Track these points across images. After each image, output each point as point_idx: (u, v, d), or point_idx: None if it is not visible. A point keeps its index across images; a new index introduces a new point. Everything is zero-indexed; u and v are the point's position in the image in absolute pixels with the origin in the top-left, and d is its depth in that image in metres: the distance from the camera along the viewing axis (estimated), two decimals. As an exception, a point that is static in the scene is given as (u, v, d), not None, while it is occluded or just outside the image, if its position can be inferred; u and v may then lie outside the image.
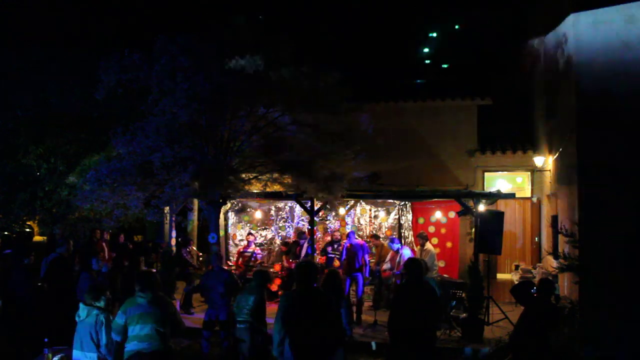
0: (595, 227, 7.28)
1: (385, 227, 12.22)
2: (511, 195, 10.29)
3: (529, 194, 12.27)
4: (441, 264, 11.32)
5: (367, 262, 9.52)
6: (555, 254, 9.80)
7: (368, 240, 10.79)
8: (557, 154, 9.80)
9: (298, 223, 12.70)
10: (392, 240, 9.71)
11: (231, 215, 12.95)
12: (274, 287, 10.70)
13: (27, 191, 10.36)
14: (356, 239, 9.73)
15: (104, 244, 10.76)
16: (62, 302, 7.38)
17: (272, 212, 12.89)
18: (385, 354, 7.40)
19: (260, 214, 12.84)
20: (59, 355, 5.28)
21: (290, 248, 11.32)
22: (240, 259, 11.15)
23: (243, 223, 12.94)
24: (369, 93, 12.50)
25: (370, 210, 12.38)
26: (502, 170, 12.37)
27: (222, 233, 11.74)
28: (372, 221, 12.40)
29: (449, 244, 11.94)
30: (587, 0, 8.31)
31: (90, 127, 10.63)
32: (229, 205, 12.38)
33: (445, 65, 17.51)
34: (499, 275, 12.92)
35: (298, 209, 12.39)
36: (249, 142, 8.98)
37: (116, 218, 9.11)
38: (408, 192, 10.27)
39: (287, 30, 9.10)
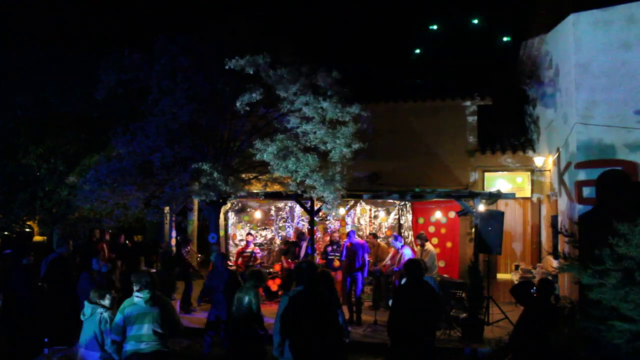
0: (595, 226, 7.28)
1: (385, 227, 12.23)
2: (511, 195, 10.29)
3: (529, 194, 12.26)
4: (441, 264, 11.32)
5: (367, 261, 9.52)
6: (555, 254, 9.80)
7: (368, 240, 10.79)
8: (557, 154, 9.80)
9: (298, 223, 12.71)
10: (395, 238, 9.69)
11: (231, 215, 12.96)
12: (274, 287, 10.71)
13: (27, 191, 10.36)
14: (356, 238, 9.73)
15: (103, 244, 10.76)
16: (62, 302, 7.38)
17: (272, 212, 12.90)
18: (385, 354, 7.41)
19: (260, 214, 12.85)
20: (59, 355, 5.29)
21: (289, 248, 11.32)
22: (240, 259, 11.15)
23: (243, 223, 12.94)
24: (369, 93, 12.49)
25: (370, 210, 12.38)
26: (502, 170, 12.36)
27: (222, 233, 11.75)
28: (372, 221, 12.40)
29: (449, 244, 11.94)
30: (587, 0, 8.31)
31: (90, 127, 10.63)
32: (229, 205, 12.39)
33: (445, 65, 17.52)
34: (499, 275, 12.92)
35: (298, 209, 12.39)
36: (249, 142, 8.98)
37: (116, 218, 9.12)
38: (408, 192, 10.26)
39: (287, 30, 9.11)
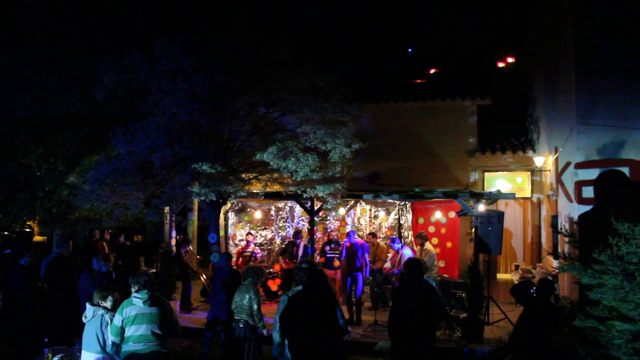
0: (595, 226, 7.27)
1: (385, 227, 12.23)
2: (511, 195, 10.29)
3: (529, 194, 12.26)
4: (441, 264, 11.32)
5: (367, 261, 9.53)
6: (555, 254, 9.80)
7: (367, 240, 10.79)
8: (557, 154, 9.80)
9: (298, 223, 12.71)
10: (393, 241, 9.71)
11: (231, 215, 12.96)
12: (274, 287, 10.71)
13: (27, 191, 10.35)
14: (356, 238, 9.73)
15: (103, 244, 10.77)
16: (62, 302, 7.39)
17: (272, 212, 12.90)
18: (386, 354, 7.41)
19: (260, 214, 12.85)
20: (59, 355, 5.29)
21: (286, 248, 11.33)
22: (240, 259, 11.16)
23: (243, 223, 12.95)
24: (369, 93, 12.50)
25: (370, 210, 12.38)
26: (502, 170, 12.36)
27: (222, 233, 11.75)
28: (372, 221, 12.40)
29: (449, 244, 11.94)
30: (587, 0, 8.31)
31: (90, 127, 10.63)
32: (229, 205, 12.39)
33: (444, 66, 17.50)
34: (499, 275, 12.92)
35: (298, 209, 12.39)
36: (249, 142, 8.97)
37: (116, 218, 9.11)
38: (408, 192, 10.27)
39: (287, 30, 9.11)
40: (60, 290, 7.54)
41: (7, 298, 7.42)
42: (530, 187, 12.20)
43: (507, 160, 12.24)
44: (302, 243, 10.97)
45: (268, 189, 9.25)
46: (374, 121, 10.08)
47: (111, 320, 4.84)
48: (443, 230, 11.98)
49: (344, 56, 15.14)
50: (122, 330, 4.68)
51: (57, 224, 11.02)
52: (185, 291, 10.29)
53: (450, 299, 9.02)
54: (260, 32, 8.70)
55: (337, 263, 9.89)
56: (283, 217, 12.86)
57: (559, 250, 8.67)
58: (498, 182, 12.27)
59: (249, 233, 12.03)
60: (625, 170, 7.71)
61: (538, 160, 11.35)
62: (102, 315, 4.91)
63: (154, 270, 11.00)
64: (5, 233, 13.18)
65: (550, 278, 7.45)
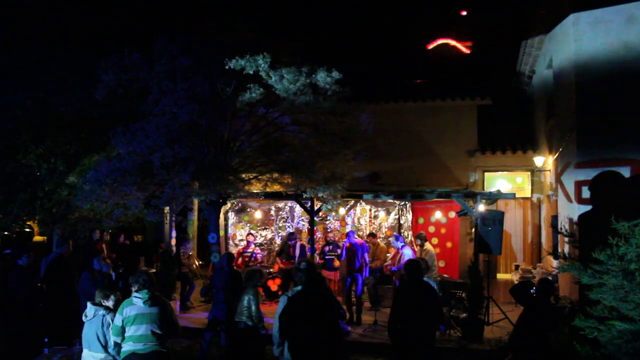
0: (595, 226, 7.28)
1: (385, 227, 12.23)
2: (511, 195, 10.29)
3: (529, 194, 12.26)
4: (441, 264, 11.32)
5: (367, 261, 9.52)
6: (555, 254, 9.80)
7: (368, 240, 10.79)
8: (557, 154, 9.80)
9: (298, 223, 12.71)
10: (396, 238, 9.69)
11: (231, 215, 12.96)
12: (274, 287, 10.72)
13: (27, 191, 10.35)
14: (355, 238, 9.73)
15: (103, 245, 10.76)
16: (62, 302, 7.39)
17: (272, 212, 12.90)
18: (386, 354, 7.41)
19: (260, 214, 12.85)
20: (59, 355, 5.29)
21: (282, 248, 11.33)
22: (240, 259, 11.16)
23: (243, 223, 12.95)
24: (369, 93, 12.50)
25: (370, 210, 12.39)
26: (502, 170, 12.36)
27: (222, 233, 11.74)
28: (372, 221, 12.40)
29: (449, 244, 11.94)
30: (587, 0, 8.30)
31: (90, 127, 10.62)
32: (229, 205, 12.39)
33: (445, 66, 17.52)
34: (499, 275, 12.92)
35: (298, 209, 12.39)
36: (249, 142, 8.97)
37: (116, 218, 9.10)
38: (408, 192, 10.27)
39: (287, 30, 9.10)
40: (60, 291, 7.54)
41: (6, 298, 7.42)
42: (530, 187, 12.20)
43: (507, 160, 12.24)
44: (299, 243, 10.97)
45: (268, 189, 9.25)
46: (374, 121, 10.09)
47: (112, 321, 4.84)
48: (443, 230, 11.99)
49: (344, 56, 15.13)
50: (123, 330, 4.68)
51: (57, 224, 11.01)
52: (183, 291, 10.31)
53: (450, 299, 9.01)
54: (260, 32, 8.70)
55: (337, 263, 9.89)
56: (283, 217, 12.86)
57: (559, 250, 8.67)
58: (498, 182, 12.27)
59: (249, 233, 12.03)
60: (627, 170, 7.71)
61: (538, 160, 11.35)
62: (104, 316, 4.92)
63: (154, 270, 11.00)
64: (5, 233, 13.18)
65: (550, 278, 7.45)
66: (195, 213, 12.70)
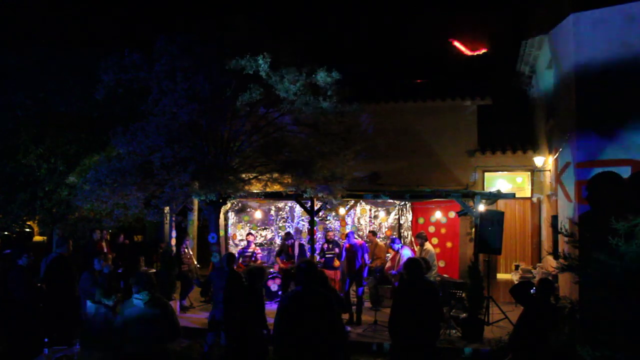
0: (595, 226, 7.27)
1: (385, 227, 12.23)
2: (511, 195, 10.29)
3: (529, 194, 12.27)
4: (441, 264, 11.32)
5: (367, 262, 9.52)
6: (555, 254, 9.79)
7: (368, 240, 10.80)
8: (557, 154, 9.80)
9: (298, 223, 12.71)
10: (392, 241, 9.72)
11: (231, 215, 12.96)
12: (274, 287, 10.72)
13: (27, 191, 10.35)
14: (355, 239, 9.73)
15: (103, 244, 10.76)
16: (62, 302, 7.38)
17: (272, 212, 12.90)
18: (386, 354, 7.41)
19: (260, 214, 12.85)
20: (59, 355, 5.29)
21: (281, 249, 11.35)
22: (240, 259, 11.16)
23: (243, 223, 12.95)
24: (369, 93, 12.50)
25: (370, 210, 12.39)
26: (502, 170, 12.37)
27: (222, 233, 11.74)
28: (372, 221, 12.40)
29: (449, 244, 11.94)
30: (587, 0, 8.30)
31: (90, 127, 10.62)
32: (229, 205, 12.39)
33: (444, 66, 17.51)
34: (499, 275, 12.93)
35: (298, 209, 12.39)
36: (249, 142, 8.97)
37: (116, 218, 9.10)
38: (408, 192, 10.27)
39: (287, 30, 9.09)
40: (60, 291, 7.53)
41: (6, 298, 7.41)
42: (530, 187, 12.21)
43: (507, 160, 12.25)
44: (297, 242, 10.98)
45: (268, 189, 9.26)
46: (374, 121, 10.10)
47: (113, 321, 4.84)
48: (443, 230, 11.99)
49: (344, 56, 15.15)
50: (123, 330, 4.68)
51: (57, 224, 11.01)
52: (183, 290, 10.32)
53: (450, 299, 9.01)
54: (260, 32, 8.69)
55: (337, 263, 9.89)
56: (283, 217, 12.86)
57: (559, 250, 8.66)
58: (498, 182, 12.28)
59: (249, 233, 12.03)
60: (627, 170, 7.70)
61: (538, 160, 11.35)
62: (104, 315, 4.92)
63: (154, 270, 11.00)
64: (5, 233, 13.17)
65: (550, 278, 7.46)
66: (195, 213, 12.69)
